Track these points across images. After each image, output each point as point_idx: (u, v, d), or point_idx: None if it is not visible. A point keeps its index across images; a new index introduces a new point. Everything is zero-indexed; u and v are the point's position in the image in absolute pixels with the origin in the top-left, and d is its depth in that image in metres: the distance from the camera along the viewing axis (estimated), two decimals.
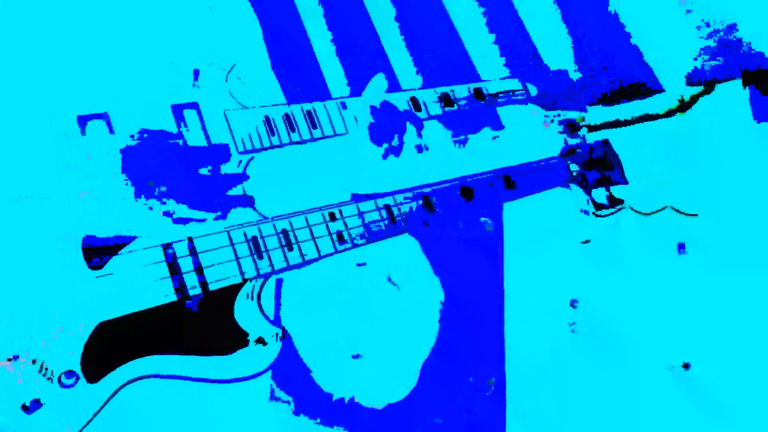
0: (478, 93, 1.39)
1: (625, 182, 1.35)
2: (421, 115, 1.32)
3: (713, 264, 1.31)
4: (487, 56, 1.46)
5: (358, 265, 1.19)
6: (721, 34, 1.52)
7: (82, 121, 1.11)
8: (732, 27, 1.52)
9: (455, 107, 1.36)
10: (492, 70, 1.45)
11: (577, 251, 1.30)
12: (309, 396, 1.10)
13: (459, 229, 1.27)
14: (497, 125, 1.38)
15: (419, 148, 1.31)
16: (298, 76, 1.31)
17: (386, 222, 1.20)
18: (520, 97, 1.42)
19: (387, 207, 1.22)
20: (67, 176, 1.07)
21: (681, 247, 1.32)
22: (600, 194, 1.34)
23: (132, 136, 1.12)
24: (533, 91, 1.43)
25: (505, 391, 1.18)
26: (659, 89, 1.45)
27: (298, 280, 1.16)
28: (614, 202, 1.34)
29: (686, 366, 1.23)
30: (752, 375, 1.24)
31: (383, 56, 1.38)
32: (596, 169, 1.36)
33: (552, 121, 1.41)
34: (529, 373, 1.20)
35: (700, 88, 1.45)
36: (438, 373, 1.16)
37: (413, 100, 1.33)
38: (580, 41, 1.50)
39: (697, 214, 1.34)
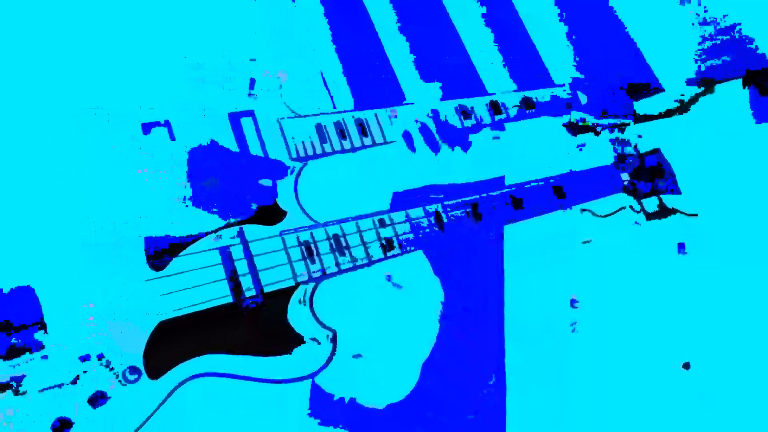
0: (527, 102, 1.39)
1: (678, 192, 1.34)
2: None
3: (713, 264, 1.31)
4: (493, 64, 1.47)
5: None
6: (722, 34, 1.52)
7: (146, 128, 1.13)
8: (733, 27, 1.53)
9: (503, 115, 1.37)
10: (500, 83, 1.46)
11: (577, 251, 1.30)
12: (309, 396, 1.10)
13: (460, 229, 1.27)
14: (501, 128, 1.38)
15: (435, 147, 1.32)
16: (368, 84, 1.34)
17: (435, 228, 1.21)
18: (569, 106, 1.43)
19: (436, 214, 1.22)
20: (131, 181, 1.10)
21: (681, 247, 1.32)
22: (651, 204, 1.34)
23: (192, 146, 1.15)
24: (583, 99, 1.43)
25: (505, 391, 1.18)
26: (659, 89, 1.45)
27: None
28: (666, 212, 1.33)
29: (686, 366, 1.24)
30: (752, 375, 1.24)
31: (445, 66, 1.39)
32: (647, 178, 1.36)
33: (602, 129, 1.40)
34: (529, 373, 1.20)
35: (700, 88, 1.45)
36: (438, 373, 1.16)
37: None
38: (581, 42, 1.50)
39: (697, 214, 1.34)
